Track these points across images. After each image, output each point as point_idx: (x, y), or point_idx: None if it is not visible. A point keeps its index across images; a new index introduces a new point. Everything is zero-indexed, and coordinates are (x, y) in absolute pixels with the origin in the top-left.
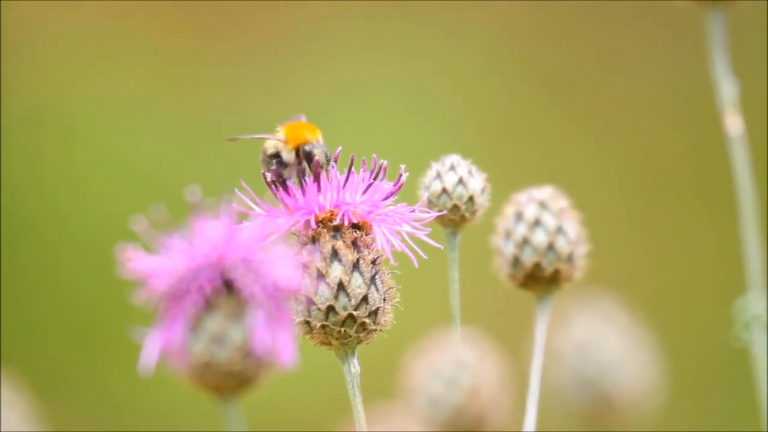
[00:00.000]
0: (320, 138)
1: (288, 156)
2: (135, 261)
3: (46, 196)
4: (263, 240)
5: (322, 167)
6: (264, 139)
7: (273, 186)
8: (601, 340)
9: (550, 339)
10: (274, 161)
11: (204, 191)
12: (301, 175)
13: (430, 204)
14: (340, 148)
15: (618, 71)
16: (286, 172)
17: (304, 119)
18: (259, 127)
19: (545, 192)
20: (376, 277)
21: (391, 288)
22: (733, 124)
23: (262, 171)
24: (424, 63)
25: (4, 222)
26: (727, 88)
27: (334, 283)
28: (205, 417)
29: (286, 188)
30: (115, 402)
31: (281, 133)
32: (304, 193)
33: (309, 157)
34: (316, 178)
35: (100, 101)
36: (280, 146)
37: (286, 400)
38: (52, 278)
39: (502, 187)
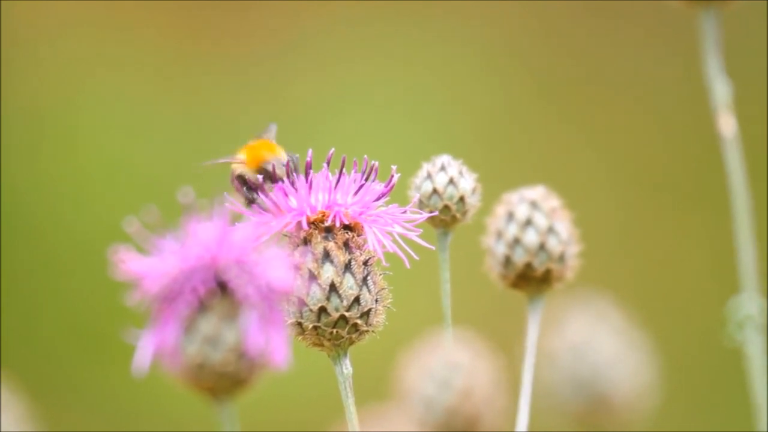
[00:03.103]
0: (281, 153)
1: (252, 177)
2: (128, 262)
3: (46, 196)
4: (256, 241)
5: (281, 179)
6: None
7: (248, 204)
8: (595, 340)
9: (544, 340)
10: (241, 182)
11: (204, 193)
12: (265, 193)
13: (421, 205)
14: (332, 149)
15: (612, 72)
16: (254, 193)
17: (274, 129)
18: (256, 129)
19: (537, 192)
20: (368, 278)
21: (383, 289)
22: (727, 124)
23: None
24: (420, 65)
25: (4, 222)
26: (720, 89)
27: (326, 285)
28: (203, 417)
29: (259, 205)
30: (114, 402)
31: (242, 154)
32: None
33: (269, 175)
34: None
35: (100, 101)
36: (244, 169)
37: (280, 400)
38: (52, 278)
39: (497, 188)
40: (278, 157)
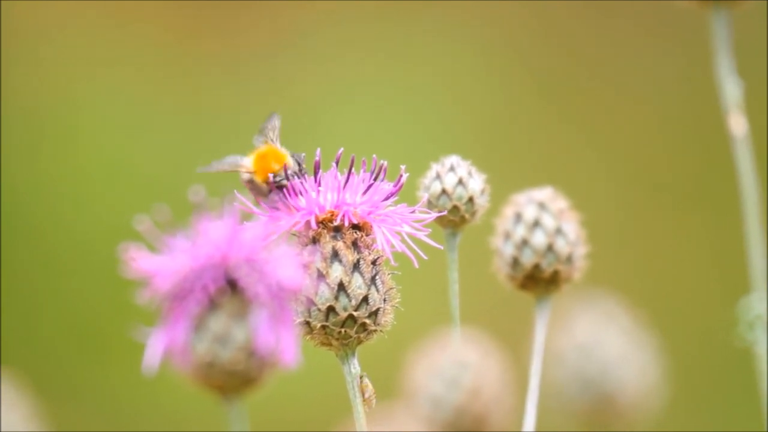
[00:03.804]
0: (288, 159)
1: (260, 185)
2: (138, 261)
3: (46, 196)
4: (266, 240)
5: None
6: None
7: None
8: (602, 340)
9: (551, 339)
10: (251, 187)
11: (213, 192)
12: (274, 203)
13: (430, 205)
14: (341, 149)
15: (612, 71)
16: (262, 198)
17: (278, 123)
18: (257, 127)
19: (544, 193)
20: (377, 277)
21: (391, 288)
22: (738, 124)
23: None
24: (423, 65)
25: (4, 222)
26: (731, 89)
27: (334, 284)
28: (208, 416)
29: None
30: (117, 402)
31: (249, 161)
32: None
33: (279, 187)
34: (285, 205)
35: (100, 101)
36: (252, 177)
37: (288, 399)
38: (52, 278)
39: (501, 189)
40: (286, 168)
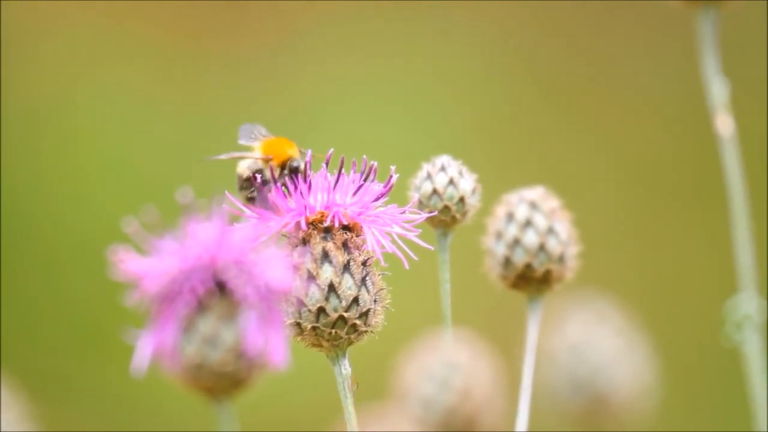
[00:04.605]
0: (297, 149)
1: (272, 172)
2: (127, 262)
3: (46, 196)
4: (255, 241)
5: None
6: (237, 165)
7: (255, 205)
8: (594, 340)
9: (543, 339)
10: (255, 183)
11: (204, 193)
12: (286, 188)
13: (421, 205)
14: (331, 149)
15: (613, 72)
16: (270, 189)
17: (262, 129)
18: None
19: (536, 192)
20: (367, 278)
21: (381, 289)
22: (724, 124)
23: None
24: (423, 65)
25: (4, 222)
26: (718, 88)
27: (324, 285)
28: (203, 417)
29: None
30: (114, 402)
31: (258, 150)
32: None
33: (296, 171)
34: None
35: (100, 101)
36: (261, 165)
37: (279, 401)
38: (51, 278)
39: (499, 188)
40: (301, 154)
